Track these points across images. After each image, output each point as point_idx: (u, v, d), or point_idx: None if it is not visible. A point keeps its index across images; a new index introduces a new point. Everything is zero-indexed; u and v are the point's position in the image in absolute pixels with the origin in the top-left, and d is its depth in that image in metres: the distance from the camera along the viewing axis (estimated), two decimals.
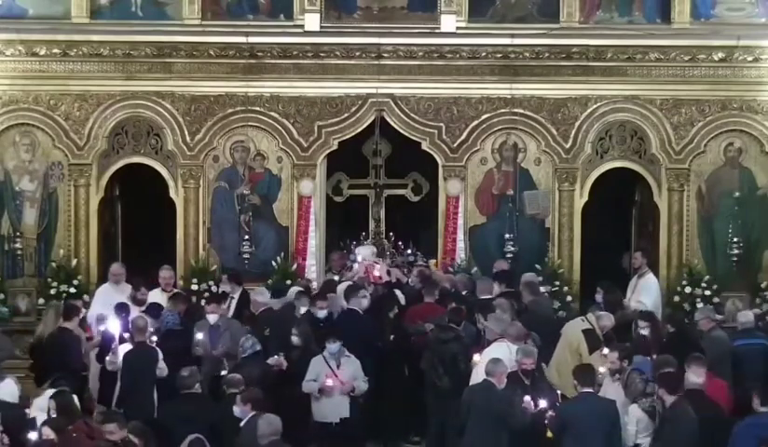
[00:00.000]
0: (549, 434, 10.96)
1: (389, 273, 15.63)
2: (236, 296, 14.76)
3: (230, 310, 14.50)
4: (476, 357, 12.28)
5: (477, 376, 11.91)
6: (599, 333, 13.04)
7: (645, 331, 12.78)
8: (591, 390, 11.06)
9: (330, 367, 12.58)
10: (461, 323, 13.09)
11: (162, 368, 12.69)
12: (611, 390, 11.42)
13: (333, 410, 12.56)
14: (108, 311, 13.71)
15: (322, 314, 13.69)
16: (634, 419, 10.89)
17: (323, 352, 12.67)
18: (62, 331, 13.42)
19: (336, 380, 12.47)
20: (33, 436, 9.86)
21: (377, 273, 15.28)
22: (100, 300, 14.65)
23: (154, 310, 13.73)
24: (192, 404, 11.37)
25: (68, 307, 13.86)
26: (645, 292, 15.04)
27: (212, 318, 13.53)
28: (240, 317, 14.23)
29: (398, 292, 14.91)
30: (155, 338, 12.93)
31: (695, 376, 10.95)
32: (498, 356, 11.78)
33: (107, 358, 12.82)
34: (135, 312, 13.60)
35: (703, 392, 10.94)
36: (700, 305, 15.29)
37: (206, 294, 15.53)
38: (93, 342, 13.74)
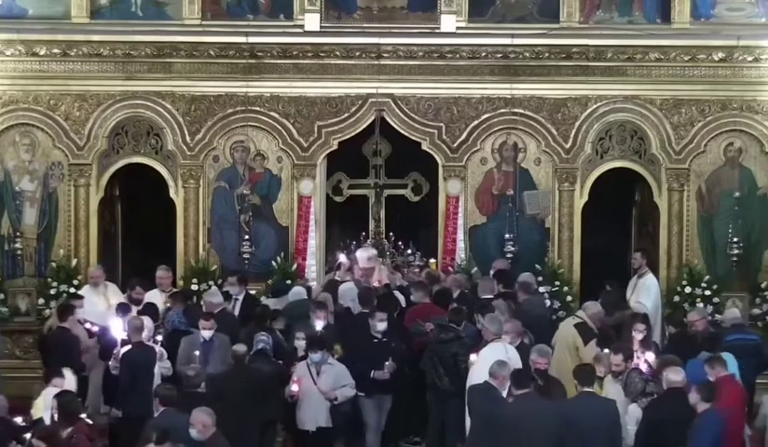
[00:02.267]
0: None
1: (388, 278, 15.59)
2: (240, 298, 14.68)
3: (235, 311, 14.47)
4: (473, 357, 12.31)
5: (474, 376, 11.94)
6: (591, 324, 13.17)
7: (640, 335, 12.77)
8: (591, 390, 11.06)
9: (311, 374, 12.41)
10: (462, 323, 13.09)
11: (168, 367, 12.67)
12: (612, 390, 11.43)
13: (310, 417, 12.40)
14: (90, 313, 13.79)
15: (382, 326, 12.97)
16: (633, 418, 10.90)
17: (307, 359, 12.52)
18: (61, 330, 13.38)
19: (303, 385, 12.25)
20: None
21: (379, 277, 15.19)
22: None
23: (149, 310, 13.67)
24: (197, 403, 11.34)
25: (63, 307, 13.84)
26: (645, 293, 15.03)
27: (206, 334, 12.86)
28: (248, 317, 14.10)
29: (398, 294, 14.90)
30: (159, 338, 12.89)
31: (674, 375, 10.93)
32: (494, 356, 11.82)
33: (110, 362, 12.79)
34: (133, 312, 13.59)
35: (682, 390, 10.90)
36: (700, 305, 15.33)
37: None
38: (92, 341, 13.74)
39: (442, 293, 14.33)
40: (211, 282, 15.77)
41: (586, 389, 11.00)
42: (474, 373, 11.99)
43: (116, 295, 14.70)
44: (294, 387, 12.26)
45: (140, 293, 14.34)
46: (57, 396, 10.65)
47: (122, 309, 13.46)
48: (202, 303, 14.25)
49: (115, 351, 12.67)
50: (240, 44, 16.00)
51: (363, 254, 15.51)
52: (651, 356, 12.19)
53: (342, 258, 15.51)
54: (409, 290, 15.06)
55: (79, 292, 14.88)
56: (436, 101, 16.26)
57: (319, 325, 13.24)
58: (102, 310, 14.17)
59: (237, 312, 14.45)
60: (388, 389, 13.03)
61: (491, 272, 15.15)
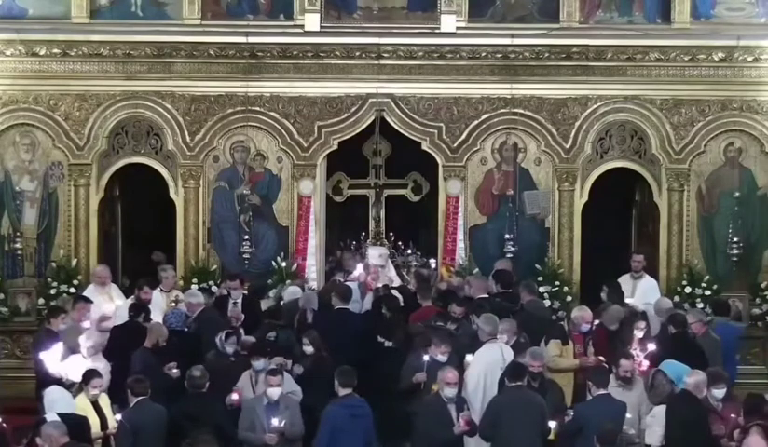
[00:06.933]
0: (552, 436, 10.95)
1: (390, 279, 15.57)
2: (239, 301, 14.53)
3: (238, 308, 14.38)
4: (468, 357, 12.30)
5: (470, 378, 11.93)
6: (565, 325, 13.48)
7: (640, 333, 12.86)
8: (606, 391, 11.07)
9: (251, 382, 12.04)
10: (449, 322, 13.08)
11: (175, 372, 12.57)
12: (630, 391, 11.58)
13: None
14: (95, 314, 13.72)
15: (443, 358, 12.03)
16: (662, 420, 10.86)
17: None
18: (48, 332, 13.20)
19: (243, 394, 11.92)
20: None
21: (378, 282, 15.17)
22: None
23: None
24: (201, 404, 11.37)
25: (52, 309, 13.81)
26: (652, 295, 14.97)
27: (275, 393, 11.41)
28: (256, 317, 14.08)
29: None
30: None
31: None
32: (489, 356, 11.89)
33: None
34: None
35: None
36: (700, 305, 15.33)
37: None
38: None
39: (442, 294, 14.33)
40: (211, 282, 15.77)
41: (601, 391, 11.04)
42: (470, 375, 11.99)
43: (119, 295, 14.68)
44: (234, 396, 11.90)
45: (147, 293, 14.20)
46: None
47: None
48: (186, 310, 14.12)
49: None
50: (239, 44, 15.99)
51: (375, 252, 15.61)
52: (651, 346, 12.46)
53: (360, 269, 15.42)
54: (407, 290, 15.10)
55: (84, 294, 14.78)
56: (436, 101, 16.26)
57: (442, 359, 12.09)
58: (105, 310, 14.13)
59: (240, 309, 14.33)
60: None
61: (493, 271, 15.14)
